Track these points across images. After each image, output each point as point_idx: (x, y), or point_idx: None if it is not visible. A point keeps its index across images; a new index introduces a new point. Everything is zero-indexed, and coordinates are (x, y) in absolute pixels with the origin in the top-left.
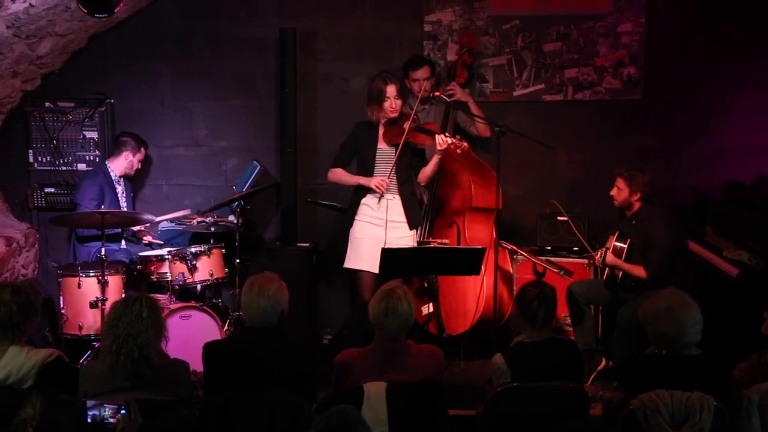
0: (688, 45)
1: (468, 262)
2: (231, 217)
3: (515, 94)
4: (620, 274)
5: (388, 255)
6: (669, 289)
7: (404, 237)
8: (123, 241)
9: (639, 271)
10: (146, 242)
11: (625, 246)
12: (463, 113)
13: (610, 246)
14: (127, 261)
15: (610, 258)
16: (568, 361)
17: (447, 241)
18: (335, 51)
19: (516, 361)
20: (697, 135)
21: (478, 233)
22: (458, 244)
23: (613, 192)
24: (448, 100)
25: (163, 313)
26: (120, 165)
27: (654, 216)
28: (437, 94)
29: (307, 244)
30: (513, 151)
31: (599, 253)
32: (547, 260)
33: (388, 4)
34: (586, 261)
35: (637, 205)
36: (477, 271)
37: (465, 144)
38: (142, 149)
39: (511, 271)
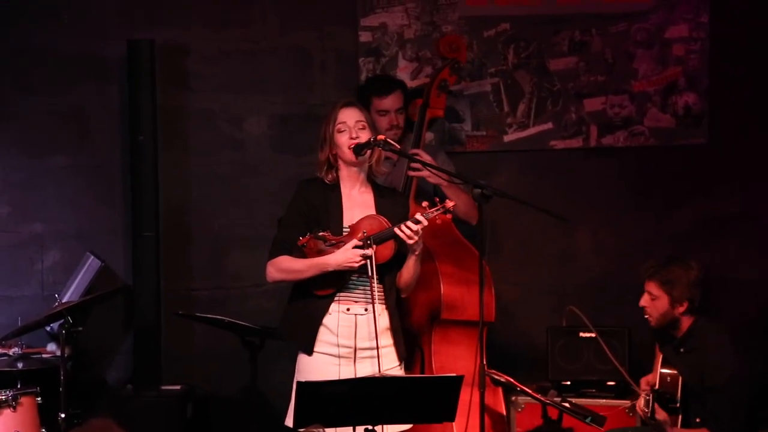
0: None
1: (436, 400)
2: (51, 346)
3: (507, 138)
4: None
5: (306, 393)
6: None
7: (386, 371)
8: None
9: None
10: None
11: (680, 376)
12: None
13: (656, 377)
14: None
15: (661, 415)
16: None
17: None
18: (219, 76)
19: None
20: None
21: (452, 361)
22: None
23: (644, 302)
24: (397, 147)
25: None
26: None
27: (713, 340)
28: (381, 137)
29: (178, 387)
30: (506, 229)
31: (642, 400)
32: (564, 402)
33: (301, 2)
34: (627, 403)
35: (686, 323)
36: (451, 416)
37: (449, 202)
38: None
39: (508, 419)
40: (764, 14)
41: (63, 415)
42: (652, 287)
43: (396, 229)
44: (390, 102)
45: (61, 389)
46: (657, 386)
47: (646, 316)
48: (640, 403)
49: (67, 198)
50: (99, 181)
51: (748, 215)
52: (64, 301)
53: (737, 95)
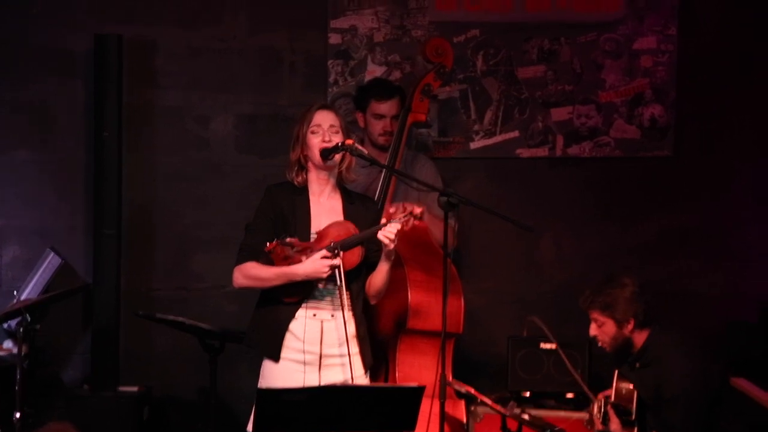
0: (748, 70)
1: (398, 410)
2: (8, 343)
3: (473, 146)
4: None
5: (266, 400)
6: None
7: (352, 381)
8: None
9: None
10: None
11: (634, 390)
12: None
13: (612, 392)
14: None
15: (615, 424)
16: None
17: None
18: (187, 74)
19: None
20: (763, 213)
21: (416, 371)
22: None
23: (593, 331)
24: (365, 152)
25: None
26: None
27: (668, 353)
28: (350, 142)
29: (135, 388)
30: (470, 237)
31: (596, 406)
32: (523, 413)
33: (272, 2)
34: (586, 415)
35: (639, 339)
36: (412, 426)
37: (417, 209)
38: None
39: (467, 429)
40: (732, 28)
41: (18, 415)
42: (595, 315)
43: (380, 233)
44: (388, 107)
45: (16, 388)
46: (612, 398)
47: (600, 345)
48: (593, 409)
49: (29, 193)
50: (61, 177)
51: (710, 229)
52: (22, 298)
53: (703, 109)
